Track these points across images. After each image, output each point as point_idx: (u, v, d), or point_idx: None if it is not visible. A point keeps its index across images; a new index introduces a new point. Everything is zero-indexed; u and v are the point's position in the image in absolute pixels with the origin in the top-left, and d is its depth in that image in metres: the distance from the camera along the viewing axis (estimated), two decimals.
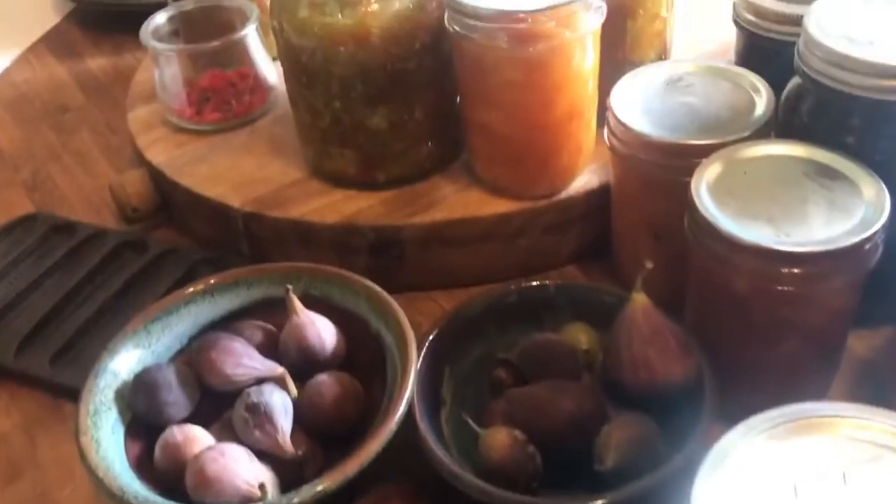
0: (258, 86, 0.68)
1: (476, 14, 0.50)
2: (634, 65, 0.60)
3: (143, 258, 0.63)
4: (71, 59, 0.93)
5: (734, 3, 0.63)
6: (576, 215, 0.58)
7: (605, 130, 0.52)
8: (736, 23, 0.63)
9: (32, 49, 0.95)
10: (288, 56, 0.56)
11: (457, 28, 0.51)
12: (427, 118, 0.57)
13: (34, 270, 0.63)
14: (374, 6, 0.53)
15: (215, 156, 0.65)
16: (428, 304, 0.59)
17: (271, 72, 0.69)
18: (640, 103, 0.51)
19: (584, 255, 0.60)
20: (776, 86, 0.53)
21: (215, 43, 0.65)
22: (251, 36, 0.66)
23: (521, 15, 0.49)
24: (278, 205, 0.60)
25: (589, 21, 0.51)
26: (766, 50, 0.61)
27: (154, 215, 0.67)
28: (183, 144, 0.66)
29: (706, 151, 0.48)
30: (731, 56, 0.69)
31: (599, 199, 0.58)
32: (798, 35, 0.59)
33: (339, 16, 0.53)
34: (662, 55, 0.62)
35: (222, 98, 0.67)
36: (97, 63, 0.91)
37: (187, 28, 0.70)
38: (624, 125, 0.50)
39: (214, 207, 0.61)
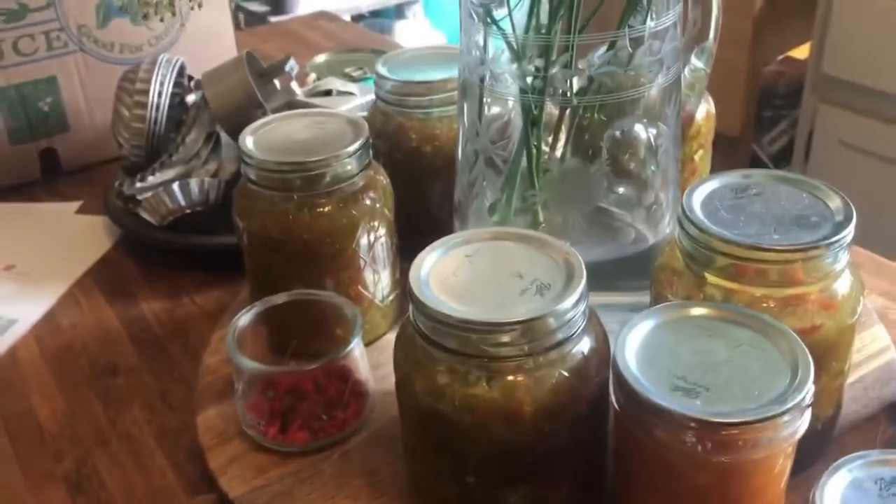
0: (354, 396, 0.59)
1: (660, 413, 0.41)
2: (810, 425, 0.52)
3: None
4: (122, 299, 0.84)
5: None
6: None
7: None
8: None
9: (80, 283, 0.87)
10: (413, 416, 0.48)
11: (633, 421, 0.43)
12: (575, 491, 0.48)
13: None
14: (528, 377, 0.44)
15: (302, 493, 0.55)
16: None
17: (369, 377, 0.60)
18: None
19: None
20: None
21: (314, 366, 0.56)
22: (356, 349, 0.58)
23: (726, 425, 0.40)
24: None
25: (802, 422, 0.42)
26: None
27: None
28: (264, 471, 0.57)
29: None
30: None
31: None
32: None
33: (486, 386, 0.44)
34: (838, 407, 0.54)
35: (311, 412, 0.58)
36: (151, 308, 0.83)
37: (273, 322, 0.61)
38: None
39: None
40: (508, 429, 0.44)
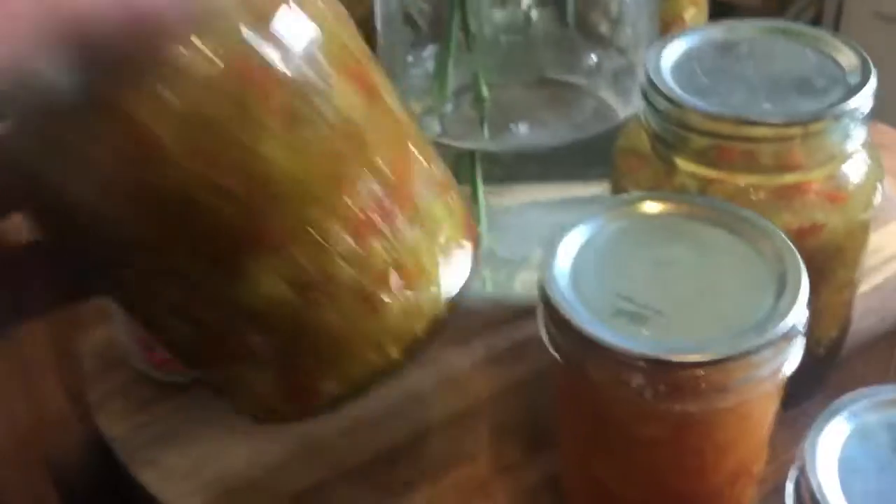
0: None
1: (595, 346, 0.30)
2: (809, 348, 0.41)
3: None
4: None
5: None
6: None
7: None
8: None
9: None
10: None
11: (563, 356, 0.32)
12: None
13: None
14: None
15: (191, 431, 0.46)
16: None
17: None
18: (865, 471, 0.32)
19: None
20: None
21: None
22: None
23: (681, 365, 0.29)
24: None
25: (792, 354, 0.31)
26: None
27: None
28: (147, 405, 0.47)
29: None
30: None
31: None
32: None
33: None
34: (846, 327, 0.43)
35: None
36: None
37: None
38: None
39: None
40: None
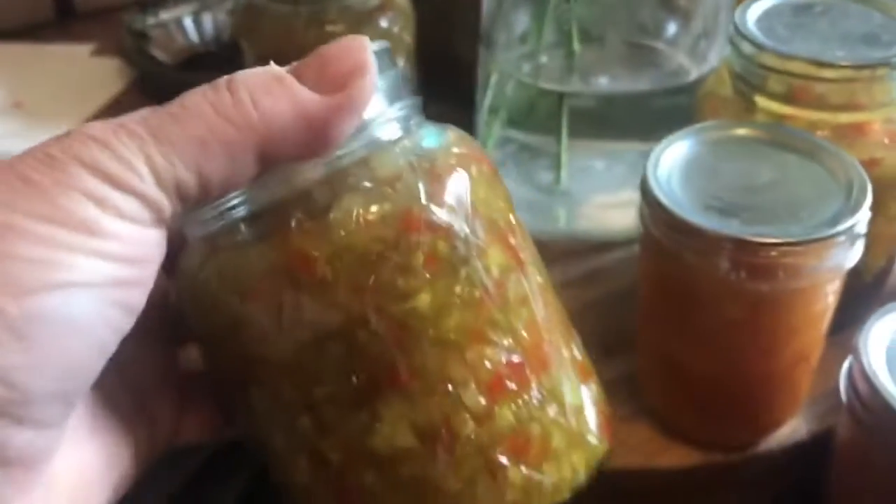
0: None
1: (691, 232, 0.36)
2: (859, 274, 0.47)
3: None
4: None
5: None
6: (776, 472, 0.44)
7: (845, 391, 0.39)
8: None
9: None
10: None
11: (659, 245, 0.38)
12: None
13: None
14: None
15: None
16: None
17: None
18: None
19: None
20: None
21: None
22: None
23: (765, 245, 0.35)
24: None
25: (852, 253, 0.37)
26: None
27: None
28: None
29: None
30: None
31: (808, 452, 0.44)
32: None
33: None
34: (893, 258, 0.48)
35: None
36: None
37: None
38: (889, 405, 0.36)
39: None
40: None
